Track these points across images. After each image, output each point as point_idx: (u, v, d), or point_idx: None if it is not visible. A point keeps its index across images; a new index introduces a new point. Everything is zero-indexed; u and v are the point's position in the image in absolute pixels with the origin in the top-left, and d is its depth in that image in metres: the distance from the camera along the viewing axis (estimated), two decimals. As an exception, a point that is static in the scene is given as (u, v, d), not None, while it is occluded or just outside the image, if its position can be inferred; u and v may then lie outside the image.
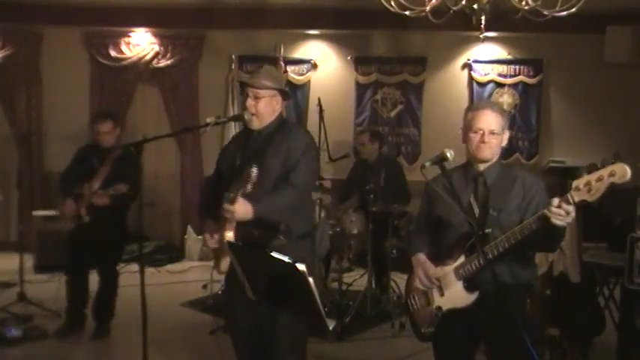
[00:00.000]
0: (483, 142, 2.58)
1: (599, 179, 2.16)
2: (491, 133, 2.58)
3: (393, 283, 5.34)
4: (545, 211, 2.29)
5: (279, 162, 2.91)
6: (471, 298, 2.56)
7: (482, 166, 2.65)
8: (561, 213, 2.24)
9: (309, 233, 3.07)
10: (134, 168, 4.39)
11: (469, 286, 2.57)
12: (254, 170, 2.76)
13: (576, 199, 2.22)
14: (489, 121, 2.58)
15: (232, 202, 2.70)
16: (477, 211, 2.60)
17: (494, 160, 2.65)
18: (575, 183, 2.22)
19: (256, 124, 2.98)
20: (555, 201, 2.26)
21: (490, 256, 2.45)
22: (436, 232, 2.76)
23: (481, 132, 2.58)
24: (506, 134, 2.67)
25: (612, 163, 2.16)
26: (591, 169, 2.25)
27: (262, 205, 2.78)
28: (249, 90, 2.97)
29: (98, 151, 4.62)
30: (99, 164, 4.55)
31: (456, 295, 2.61)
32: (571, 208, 2.24)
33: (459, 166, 2.73)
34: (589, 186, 2.18)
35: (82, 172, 4.57)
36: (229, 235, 2.77)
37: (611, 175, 2.14)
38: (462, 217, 2.52)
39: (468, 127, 2.63)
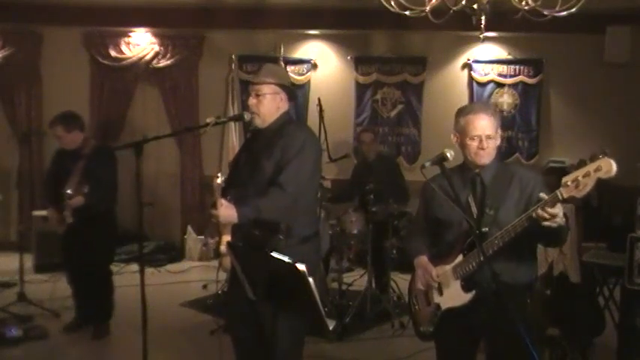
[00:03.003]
0: (482, 148, 2.56)
1: (586, 175, 2.18)
2: (488, 137, 2.57)
3: (393, 283, 5.34)
4: (532, 213, 2.31)
5: (273, 162, 2.85)
6: (468, 297, 2.57)
7: (478, 167, 2.64)
8: (545, 217, 2.26)
9: (314, 235, 3.00)
10: (108, 166, 4.55)
11: (466, 285, 2.58)
12: (218, 181, 2.75)
13: (565, 196, 2.24)
14: (484, 126, 2.56)
15: (215, 206, 2.69)
16: (474, 210, 2.60)
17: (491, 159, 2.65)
18: (563, 179, 2.24)
19: (259, 123, 2.95)
20: (543, 196, 2.28)
21: (487, 254, 2.45)
22: (435, 231, 2.76)
23: (478, 138, 2.56)
24: (499, 133, 2.65)
25: (599, 158, 2.17)
26: (580, 165, 2.26)
27: (247, 208, 2.74)
28: (250, 88, 2.96)
29: (68, 153, 4.66)
30: (72, 167, 4.58)
31: (453, 294, 2.62)
32: (556, 211, 2.25)
33: (456, 167, 2.71)
34: (577, 182, 2.20)
35: (59, 176, 4.64)
36: (226, 237, 2.76)
37: (597, 170, 2.16)
38: (460, 216, 2.53)
39: (463, 133, 2.60)
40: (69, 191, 4.47)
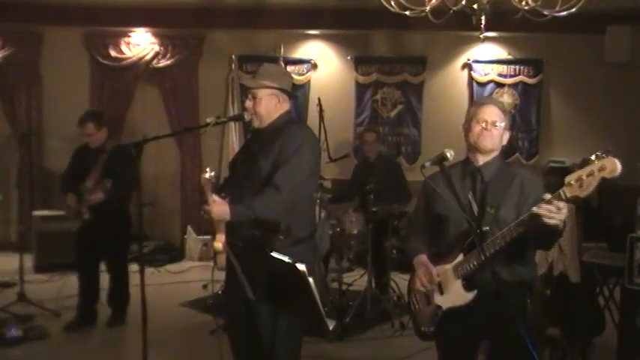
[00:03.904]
0: (486, 129, 2.59)
1: (590, 174, 2.16)
2: (494, 123, 2.60)
3: (393, 283, 5.34)
4: (535, 208, 2.28)
5: (270, 162, 2.84)
6: (469, 296, 2.56)
7: (480, 161, 2.64)
8: (552, 209, 2.24)
9: (309, 237, 2.98)
10: (127, 164, 4.60)
11: (468, 285, 2.57)
12: (206, 176, 2.74)
13: (568, 195, 2.21)
14: (493, 113, 2.61)
15: (207, 203, 2.69)
16: (475, 208, 2.59)
17: (494, 155, 2.65)
18: (567, 179, 2.21)
19: (257, 124, 2.95)
20: (547, 196, 2.26)
21: (487, 254, 2.45)
22: (435, 229, 2.75)
23: (484, 122, 2.59)
24: (507, 134, 2.66)
25: (603, 157, 2.16)
26: (584, 164, 2.24)
27: (240, 206, 2.73)
28: (247, 90, 2.97)
29: (90, 150, 4.77)
30: (92, 163, 4.68)
31: (454, 294, 2.61)
32: (562, 204, 2.23)
33: (458, 162, 2.72)
34: (580, 181, 2.18)
35: (78, 172, 4.75)
36: (221, 237, 2.75)
37: (602, 169, 2.13)
38: (460, 214, 2.52)
39: (471, 118, 2.64)
40: (88, 184, 4.57)
